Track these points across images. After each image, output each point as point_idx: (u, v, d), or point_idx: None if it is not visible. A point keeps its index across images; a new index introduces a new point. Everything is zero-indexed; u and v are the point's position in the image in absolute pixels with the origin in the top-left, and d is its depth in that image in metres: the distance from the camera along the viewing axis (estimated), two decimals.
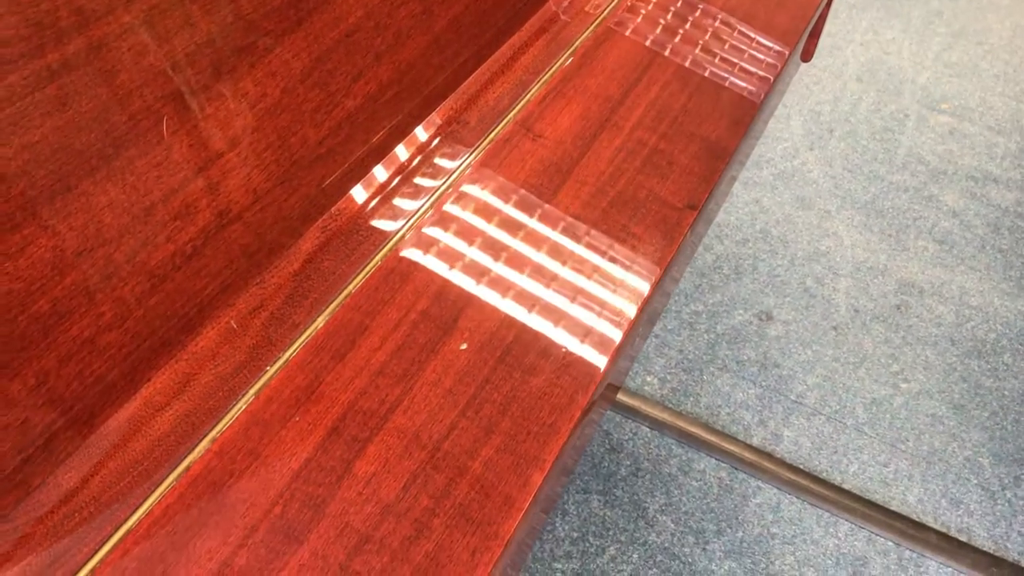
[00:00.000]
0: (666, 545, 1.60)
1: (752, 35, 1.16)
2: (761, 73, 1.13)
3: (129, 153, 0.64)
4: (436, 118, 0.95)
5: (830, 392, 1.87)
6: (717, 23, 1.18)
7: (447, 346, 0.77)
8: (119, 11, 0.60)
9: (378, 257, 0.82)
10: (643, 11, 1.17)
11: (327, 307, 0.77)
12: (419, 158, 0.91)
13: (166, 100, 0.65)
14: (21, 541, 0.59)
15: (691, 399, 1.85)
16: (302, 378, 0.72)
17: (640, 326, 0.86)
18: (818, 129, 2.52)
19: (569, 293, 0.83)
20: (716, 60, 1.13)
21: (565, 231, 0.89)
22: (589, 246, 0.88)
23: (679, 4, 1.19)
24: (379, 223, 0.85)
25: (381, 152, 0.89)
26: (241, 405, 0.70)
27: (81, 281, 0.62)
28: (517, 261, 0.85)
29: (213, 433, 0.67)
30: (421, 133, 0.93)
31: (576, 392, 0.76)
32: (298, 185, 0.80)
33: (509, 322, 0.80)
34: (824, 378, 1.89)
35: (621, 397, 1.82)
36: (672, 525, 1.63)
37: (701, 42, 1.15)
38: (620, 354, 0.81)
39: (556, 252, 0.87)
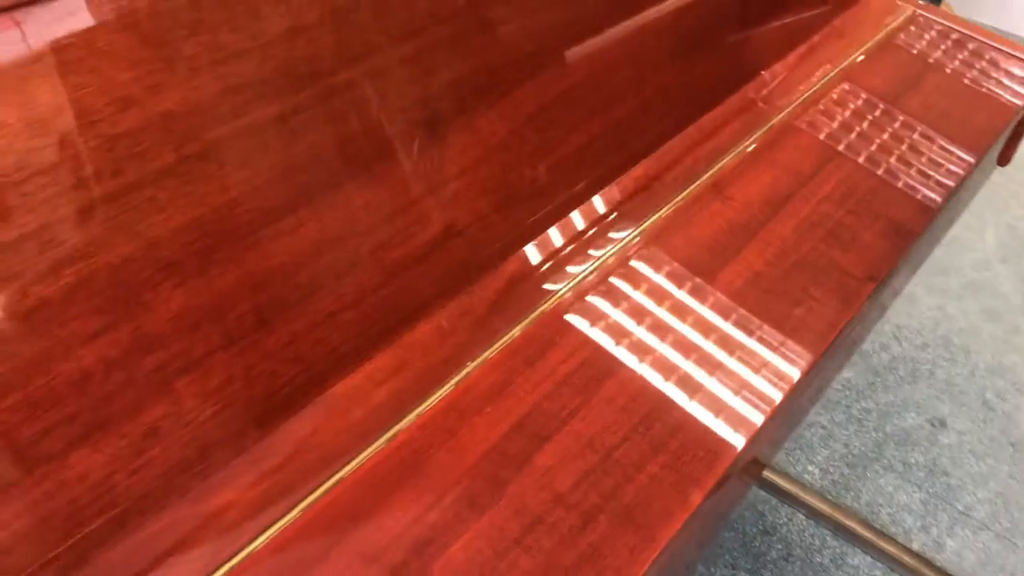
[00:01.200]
0: None
1: (940, 137, 1.20)
2: (950, 168, 1.17)
3: (387, 164, 0.76)
4: (635, 172, 1.04)
5: (1002, 509, 1.80)
6: (909, 121, 1.23)
7: (624, 371, 0.85)
8: (388, 48, 0.73)
9: (572, 284, 0.92)
10: (838, 106, 1.23)
11: (523, 320, 0.87)
12: (615, 207, 1.00)
13: (419, 125, 0.78)
14: (254, 472, 0.71)
15: (851, 494, 1.82)
16: (496, 376, 0.82)
17: (810, 382, 0.91)
18: (1013, 243, 2.46)
19: (739, 341, 0.90)
20: (905, 151, 1.18)
21: (748, 284, 0.95)
22: (767, 304, 0.94)
23: (873, 103, 1.25)
24: (572, 260, 0.94)
25: (582, 197, 0.99)
26: (443, 391, 0.80)
27: (333, 263, 0.74)
28: (697, 313, 0.92)
29: (419, 410, 0.78)
30: (620, 186, 1.03)
31: (744, 424, 0.82)
32: (510, 215, 0.91)
33: (684, 356, 0.87)
34: (997, 494, 1.83)
35: (779, 481, 1.82)
36: None
37: (891, 134, 1.20)
38: (795, 393, 0.87)
39: (739, 297, 0.93)
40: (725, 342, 0.89)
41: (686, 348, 0.88)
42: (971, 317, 2.24)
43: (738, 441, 0.81)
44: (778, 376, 0.87)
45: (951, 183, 1.13)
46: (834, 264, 1.00)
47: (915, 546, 1.74)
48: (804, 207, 1.06)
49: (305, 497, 0.71)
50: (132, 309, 0.62)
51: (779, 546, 1.73)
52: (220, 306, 0.67)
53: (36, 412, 0.58)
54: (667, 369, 0.86)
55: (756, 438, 0.82)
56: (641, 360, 0.86)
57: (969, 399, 2.03)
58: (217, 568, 0.66)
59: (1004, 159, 1.53)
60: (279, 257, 0.70)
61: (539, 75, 0.88)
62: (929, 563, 1.71)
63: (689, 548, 0.82)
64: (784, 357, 0.89)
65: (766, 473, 1.83)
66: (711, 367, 0.87)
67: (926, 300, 2.29)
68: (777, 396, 0.85)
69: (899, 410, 2.00)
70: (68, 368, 0.59)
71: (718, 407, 0.83)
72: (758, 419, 0.82)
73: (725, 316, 0.92)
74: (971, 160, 1.15)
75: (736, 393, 0.85)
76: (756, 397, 0.85)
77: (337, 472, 0.73)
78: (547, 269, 0.92)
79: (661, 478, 0.77)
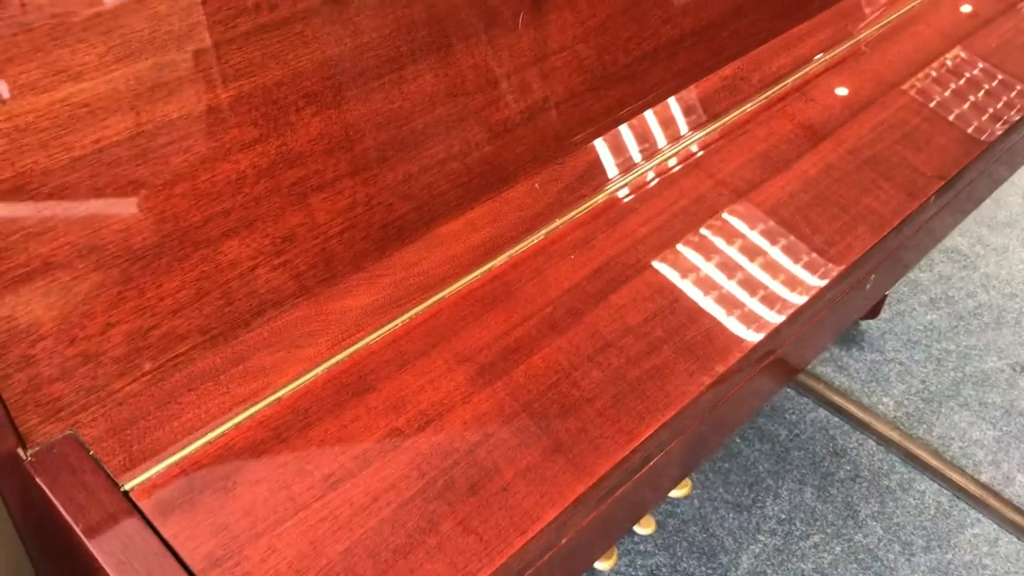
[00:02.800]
0: (871, 547, 1.65)
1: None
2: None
3: (494, 32, 0.87)
4: (724, 71, 1.12)
5: None
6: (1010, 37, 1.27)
7: (699, 237, 0.94)
8: None
9: (654, 162, 1.01)
10: (934, 20, 1.28)
11: (606, 190, 0.97)
12: (703, 100, 1.09)
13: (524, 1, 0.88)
14: (371, 286, 0.83)
15: (924, 426, 1.87)
16: (580, 233, 0.92)
17: (875, 259, 0.99)
18: None
19: (814, 223, 0.98)
20: (995, 68, 1.23)
21: (822, 173, 1.03)
22: (837, 191, 1.01)
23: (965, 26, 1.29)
24: (662, 141, 1.04)
25: (674, 89, 1.08)
26: (533, 240, 0.91)
27: (444, 116, 0.86)
28: (772, 189, 1.01)
29: (512, 251, 0.89)
30: (709, 81, 1.11)
31: (808, 281, 0.91)
32: (604, 96, 1.00)
33: (752, 231, 0.96)
34: None
35: (852, 408, 1.88)
36: (880, 531, 1.68)
37: (982, 49, 1.25)
38: (847, 275, 0.95)
39: (809, 185, 1.01)
40: (789, 225, 0.98)
41: (753, 220, 0.97)
42: None
43: (797, 301, 0.90)
44: (830, 261, 0.95)
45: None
46: (905, 162, 1.07)
47: (984, 478, 1.78)
48: (883, 112, 1.12)
49: (412, 308, 0.83)
50: (280, 127, 0.74)
51: (847, 467, 1.79)
52: (349, 137, 0.79)
53: (200, 202, 0.72)
54: (733, 236, 0.95)
55: (815, 299, 0.91)
56: (713, 232, 0.95)
57: None
58: (337, 354, 0.78)
59: None
60: (399, 102, 0.81)
61: None
62: (996, 494, 1.75)
63: (732, 408, 0.91)
64: (835, 247, 0.97)
65: (839, 399, 1.90)
66: (773, 239, 0.96)
67: (1019, 252, 2.29)
68: (833, 272, 0.93)
69: (981, 353, 2.03)
70: (227, 168, 0.72)
71: (778, 272, 0.92)
72: (820, 283, 0.91)
73: (793, 203, 1.00)
74: None
75: (789, 273, 0.93)
76: (802, 282, 0.93)
77: (440, 292, 0.84)
78: (633, 150, 1.02)
79: (723, 326, 0.87)
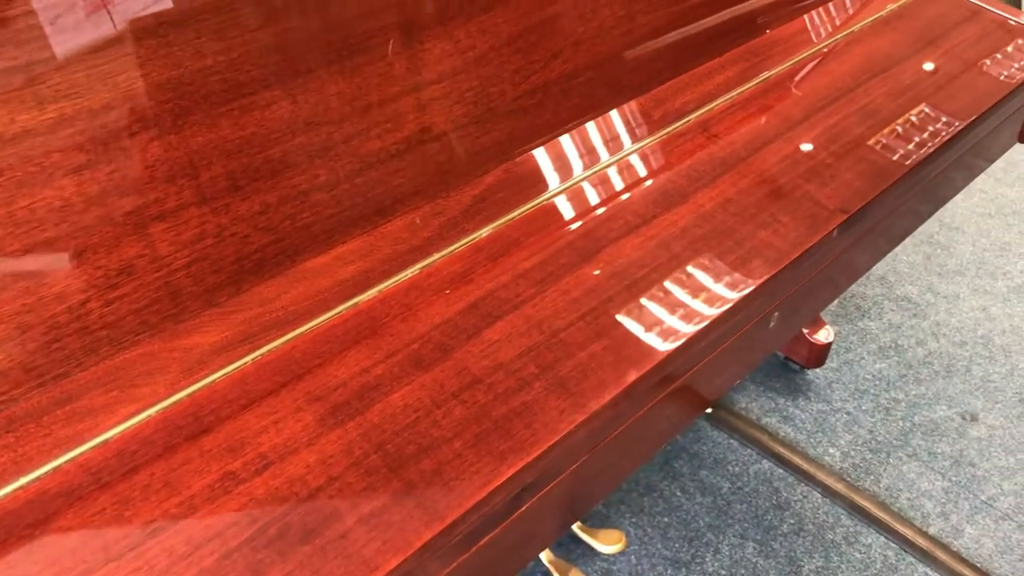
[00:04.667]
0: None
1: (936, 101, 1.22)
2: (946, 120, 1.19)
3: (359, 59, 0.84)
4: (624, 107, 1.10)
5: None
6: (917, 70, 1.26)
7: (583, 269, 0.90)
8: None
9: (543, 197, 0.97)
10: (847, 59, 1.27)
11: (493, 223, 0.93)
12: (599, 134, 1.06)
13: (394, 28, 0.85)
14: (222, 322, 0.78)
15: (871, 478, 1.82)
16: (459, 266, 0.88)
17: (774, 293, 0.95)
18: None
19: (707, 256, 0.94)
20: (910, 107, 1.21)
21: (718, 207, 1.00)
22: (732, 225, 0.98)
23: (880, 55, 1.28)
24: (554, 176, 1.00)
25: (568, 124, 1.05)
26: (407, 274, 0.86)
27: (305, 145, 0.82)
28: (664, 224, 0.97)
29: (382, 286, 0.85)
30: (606, 117, 1.08)
31: (689, 324, 0.86)
32: (491, 129, 0.97)
33: (642, 263, 0.92)
34: None
35: (796, 459, 1.83)
36: None
37: (893, 87, 1.23)
38: (742, 308, 0.91)
39: (704, 220, 0.98)
40: (680, 258, 0.94)
41: (642, 254, 0.93)
42: (1016, 320, 2.21)
43: (678, 342, 0.85)
44: (718, 297, 0.91)
45: (940, 140, 1.15)
46: (808, 196, 1.04)
47: (932, 531, 1.72)
48: (787, 148, 1.10)
49: (265, 345, 0.78)
50: (111, 152, 0.70)
51: (791, 520, 1.73)
52: (194, 164, 0.75)
53: (18, 230, 0.67)
54: (620, 269, 0.91)
55: (701, 334, 0.86)
56: (599, 268, 0.91)
57: (1005, 396, 2.00)
58: (175, 394, 0.73)
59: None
60: (251, 128, 0.78)
61: None
62: (944, 547, 1.69)
63: (618, 449, 0.86)
64: (733, 278, 0.93)
65: (784, 450, 1.85)
66: (662, 272, 0.92)
67: (970, 301, 2.26)
68: (711, 313, 0.89)
69: (930, 402, 1.98)
70: (49, 195, 0.68)
71: (673, 304, 0.88)
72: (696, 328, 0.87)
73: (686, 237, 0.96)
74: (961, 123, 1.17)
75: (681, 304, 0.89)
76: (696, 312, 0.89)
77: (298, 328, 0.80)
78: (523, 184, 0.99)
79: (601, 357, 0.82)
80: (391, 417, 0.74)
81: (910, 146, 1.13)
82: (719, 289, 0.91)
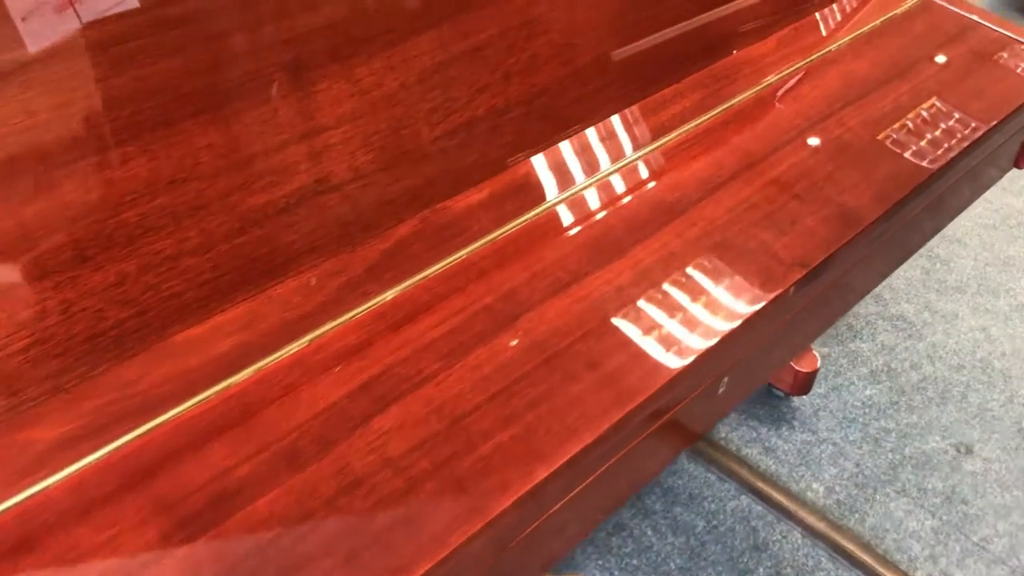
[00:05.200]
0: None
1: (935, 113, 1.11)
2: (934, 153, 1.08)
3: (236, 106, 0.74)
4: (562, 144, 0.99)
5: (1022, 545, 1.66)
6: (894, 100, 1.15)
7: (499, 339, 0.80)
8: None
9: (464, 252, 0.87)
10: (816, 80, 1.16)
11: (401, 284, 0.83)
12: (533, 176, 0.95)
13: (280, 68, 0.75)
14: (69, 411, 0.69)
15: (856, 516, 1.71)
16: (355, 337, 0.78)
17: (713, 366, 0.85)
18: None
19: (640, 320, 0.84)
20: (885, 135, 1.10)
21: (659, 262, 0.89)
22: (675, 281, 0.88)
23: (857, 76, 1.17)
24: (476, 225, 0.90)
25: (498, 164, 0.94)
26: (293, 348, 0.76)
27: (170, 206, 0.72)
28: (597, 282, 0.87)
29: (263, 363, 0.75)
30: (543, 154, 0.98)
31: (611, 407, 0.76)
32: (404, 175, 0.87)
33: (567, 331, 0.82)
34: (1020, 527, 1.69)
35: (776, 495, 1.72)
36: None
37: (869, 117, 1.12)
38: (674, 386, 0.80)
39: (643, 277, 0.87)
40: (610, 325, 0.84)
41: (568, 319, 0.82)
42: (1017, 341, 2.09)
43: (602, 424, 0.75)
44: (655, 370, 0.81)
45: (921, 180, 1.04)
46: (764, 247, 0.93)
47: (919, 575, 1.61)
48: (746, 189, 0.99)
49: (115, 440, 0.68)
50: None
51: (769, 563, 1.63)
52: (27, 235, 0.65)
53: None
54: (541, 347, 0.80)
55: (632, 414, 0.76)
56: (517, 338, 0.81)
57: (1003, 426, 1.89)
58: (5, 500, 0.64)
59: (1021, 161, 1.42)
60: (99, 191, 0.68)
61: (434, 29, 0.84)
62: None
63: (527, 550, 0.76)
64: (669, 350, 0.83)
65: (764, 486, 1.74)
66: (594, 341, 0.81)
67: (969, 320, 2.14)
68: (649, 387, 0.79)
69: (922, 432, 1.87)
70: None
71: (600, 381, 0.78)
72: (620, 412, 0.76)
73: (620, 298, 0.86)
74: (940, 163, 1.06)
75: (609, 381, 0.79)
76: (626, 391, 0.78)
77: (156, 418, 0.70)
78: (442, 235, 0.88)
79: (508, 450, 0.72)
80: (252, 530, 0.64)
81: (880, 188, 1.02)
82: (659, 357, 0.81)
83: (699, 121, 1.06)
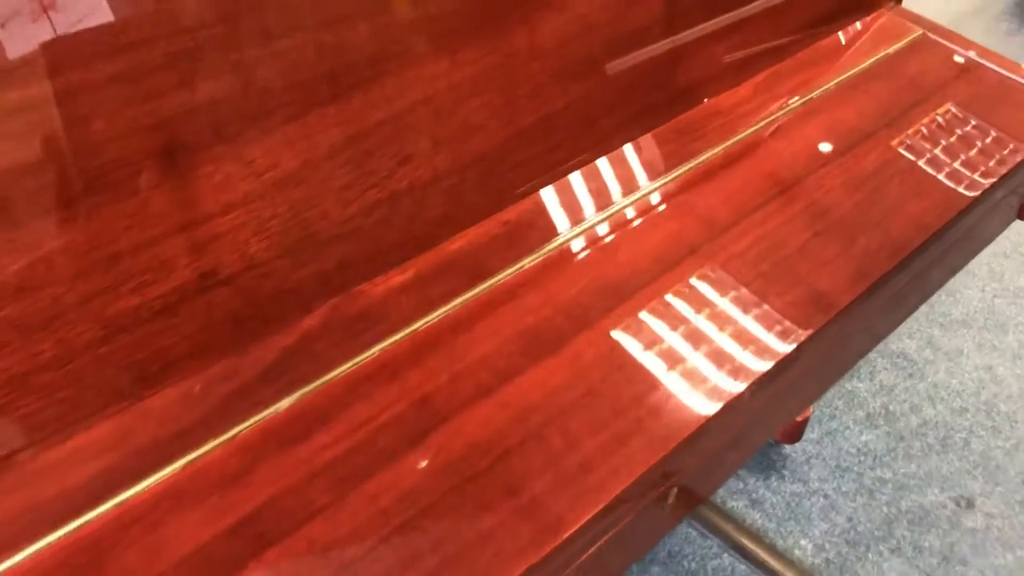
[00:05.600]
0: None
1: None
2: (924, 219, 0.97)
3: (97, 199, 0.64)
4: (503, 216, 0.89)
5: None
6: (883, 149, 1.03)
7: (405, 460, 0.70)
8: (99, 62, 0.61)
9: (377, 348, 0.77)
10: (795, 133, 1.05)
11: (300, 390, 0.73)
12: (465, 258, 0.85)
13: (148, 154, 0.65)
14: None
15: None
16: (237, 460, 0.68)
17: (666, 472, 0.75)
18: None
19: (570, 432, 0.73)
20: (869, 199, 0.99)
21: (600, 359, 0.79)
22: (616, 387, 0.77)
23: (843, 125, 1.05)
24: (395, 313, 0.80)
25: (424, 241, 0.84)
26: (166, 473, 0.67)
27: (18, 317, 0.62)
28: (527, 384, 0.77)
29: (123, 496, 0.65)
30: (478, 230, 0.87)
31: (528, 547, 0.66)
32: (311, 260, 0.77)
33: (486, 448, 0.72)
34: None
35: (761, 553, 1.62)
36: None
37: (852, 177, 1.01)
38: (609, 511, 0.70)
39: (580, 376, 0.77)
40: (540, 437, 0.73)
41: (493, 443, 0.72)
42: None
43: (517, 568, 0.65)
44: (582, 498, 0.71)
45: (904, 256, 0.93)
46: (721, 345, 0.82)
47: None
48: (704, 266, 0.88)
49: None
50: None
51: None
52: None
53: None
54: (456, 468, 0.70)
55: (544, 563, 0.66)
56: (428, 457, 0.71)
57: (1007, 477, 1.77)
58: None
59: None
60: None
61: (342, 99, 0.74)
62: None
63: None
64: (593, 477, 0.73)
65: (749, 543, 1.64)
66: (517, 460, 0.71)
67: (974, 358, 2.02)
68: (575, 522, 0.68)
69: (920, 484, 1.76)
70: None
71: (519, 512, 0.68)
72: (537, 553, 0.66)
73: (552, 404, 0.76)
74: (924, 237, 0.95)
75: (534, 507, 0.69)
76: (553, 522, 0.68)
77: None
78: (354, 327, 0.78)
79: None
80: None
81: (854, 266, 0.91)
82: (592, 477, 0.70)
83: (660, 183, 0.95)
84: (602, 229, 0.91)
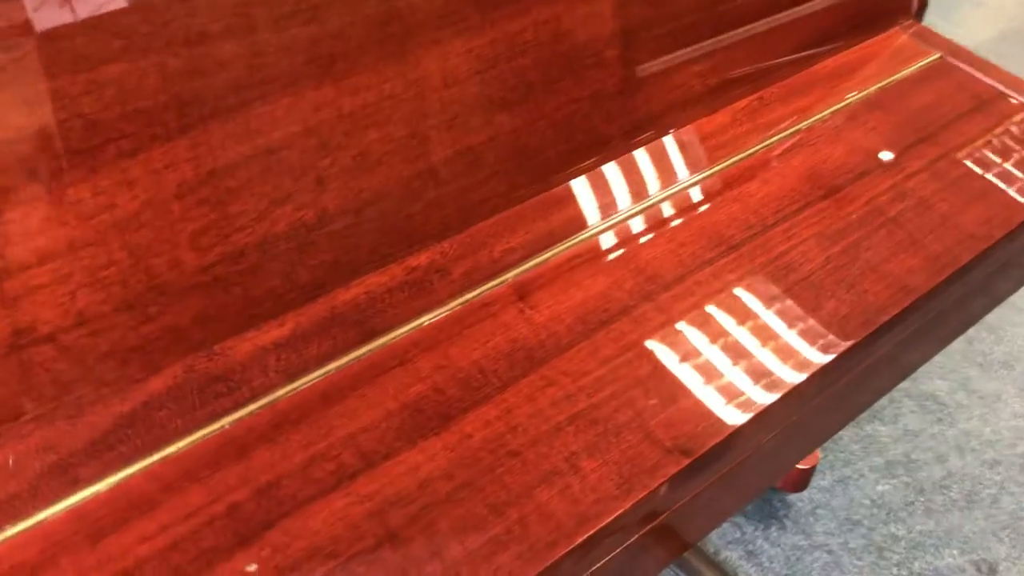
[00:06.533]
0: None
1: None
2: (911, 282, 0.84)
3: None
4: (410, 262, 0.78)
5: None
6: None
7: (230, 562, 0.60)
8: None
9: (227, 420, 0.67)
10: (769, 174, 0.92)
11: (127, 468, 0.64)
12: (359, 310, 0.75)
13: None
14: None
15: None
16: (34, 551, 0.59)
17: None
18: None
19: (436, 535, 0.62)
20: (843, 260, 0.85)
21: (493, 441, 0.68)
22: (504, 476, 0.66)
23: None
24: (258, 378, 0.70)
25: (308, 292, 0.74)
26: None
27: None
28: (395, 471, 0.66)
29: None
30: (380, 277, 0.77)
31: None
32: (159, 314, 0.67)
33: (330, 551, 0.61)
34: None
35: None
36: None
37: (828, 228, 0.87)
38: None
39: (463, 464, 0.66)
40: (399, 538, 0.63)
41: (341, 544, 0.62)
42: None
43: None
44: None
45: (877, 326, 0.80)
46: (638, 422, 0.70)
47: None
48: (631, 335, 0.76)
49: None
50: None
51: None
52: None
53: None
54: (321, 545, 0.60)
55: None
56: (258, 560, 0.60)
57: None
58: None
59: None
60: None
61: (193, 131, 0.64)
62: None
63: None
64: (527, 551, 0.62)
65: None
66: (363, 569, 0.61)
67: (1014, 404, 1.85)
68: None
69: (937, 544, 1.61)
70: None
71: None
72: None
73: (424, 496, 0.65)
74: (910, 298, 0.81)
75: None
76: None
77: None
78: (205, 393, 0.68)
79: None
80: None
81: (825, 339, 0.78)
82: None
83: (602, 226, 0.83)
84: (526, 280, 0.79)
